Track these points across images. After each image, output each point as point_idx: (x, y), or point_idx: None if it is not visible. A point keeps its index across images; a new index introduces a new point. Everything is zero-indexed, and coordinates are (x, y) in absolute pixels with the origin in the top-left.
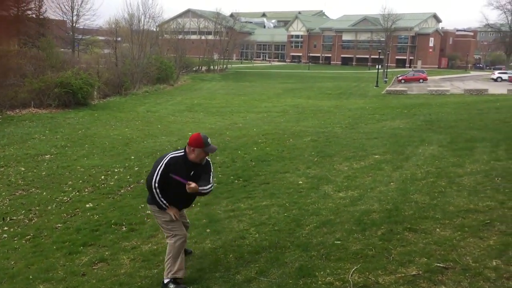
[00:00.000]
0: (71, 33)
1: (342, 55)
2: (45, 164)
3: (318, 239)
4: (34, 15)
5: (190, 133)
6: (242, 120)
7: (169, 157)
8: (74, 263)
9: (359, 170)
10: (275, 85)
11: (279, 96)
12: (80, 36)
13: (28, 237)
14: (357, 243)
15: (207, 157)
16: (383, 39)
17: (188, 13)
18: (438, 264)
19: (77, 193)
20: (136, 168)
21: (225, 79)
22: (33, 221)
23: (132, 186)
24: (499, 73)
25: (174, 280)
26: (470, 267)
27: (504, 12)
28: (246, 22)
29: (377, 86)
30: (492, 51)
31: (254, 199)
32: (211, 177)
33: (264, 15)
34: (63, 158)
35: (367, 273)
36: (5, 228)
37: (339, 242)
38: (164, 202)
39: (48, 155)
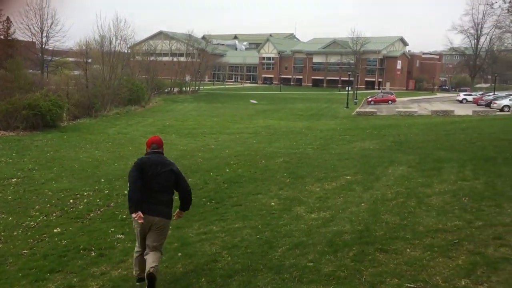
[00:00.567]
0: (40, 54)
1: (313, 77)
2: (11, 188)
3: (290, 261)
4: (2, 36)
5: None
6: (214, 142)
7: (174, 163)
8: None
9: (330, 191)
10: (247, 107)
11: (251, 118)
12: (49, 58)
13: None
14: (329, 264)
15: None
16: (353, 62)
17: (160, 35)
18: (408, 285)
19: (45, 217)
20: (106, 191)
21: (197, 101)
22: None
23: (102, 209)
24: (464, 94)
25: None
26: (440, 287)
27: (468, 36)
28: (218, 44)
29: (347, 107)
30: (457, 74)
31: (226, 221)
32: None
33: (236, 37)
34: (30, 181)
35: None
36: None
37: (312, 264)
38: None
39: (15, 179)
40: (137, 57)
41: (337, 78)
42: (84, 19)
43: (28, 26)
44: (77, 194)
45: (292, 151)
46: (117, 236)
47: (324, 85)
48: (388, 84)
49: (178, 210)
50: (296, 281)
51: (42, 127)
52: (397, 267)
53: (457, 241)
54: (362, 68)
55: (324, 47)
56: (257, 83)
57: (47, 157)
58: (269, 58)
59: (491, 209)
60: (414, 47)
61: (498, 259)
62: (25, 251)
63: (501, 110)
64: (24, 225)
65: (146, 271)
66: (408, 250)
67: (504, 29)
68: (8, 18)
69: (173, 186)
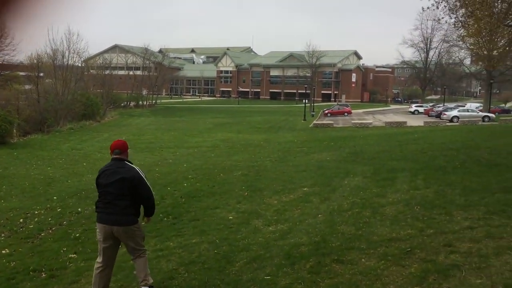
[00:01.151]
0: None
1: (271, 90)
2: None
3: (248, 275)
4: None
5: None
6: (172, 156)
7: (137, 168)
8: None
9: (288, 203)
10: (205, 120)
11: (209, 131)
12: None
13: None
14: (286, 277)
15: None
16: (309, 75)
17: (115, 48)
18: None
19: None
20: (59, 209)
21: (154, 115)
22: None
23: (53, 228)
24: (416, 106)
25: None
26: None
27: (418, 50)
28: (175, 57)
29: (304, 119)
30: (409, 86)
31: (183, 236)
32: None
33: (193, 51)
34: None
35: None
36: None
37: (269, 277)
38: None
39: None
40: (91, 70)
41: (295, 91)
42: (35, 32)
43: None
44: (27, 213)
45: (251, 164)
46: (70, 255)
47: (282, 98)
48: (343, 96)
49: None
50: None
51: None
52: (352, 277)
53: (409, 249)
54: (318, 81)
55: (281, 61)
56: (215, 96)
57: None
58: (226, 72)
59: (442, 217)
60: (368, 60)
61: (449, 266)
62: None
63: (451, 120)
64: None
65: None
66: (363, 260)
67: (452, 43)
68: None
69: (130, 194)
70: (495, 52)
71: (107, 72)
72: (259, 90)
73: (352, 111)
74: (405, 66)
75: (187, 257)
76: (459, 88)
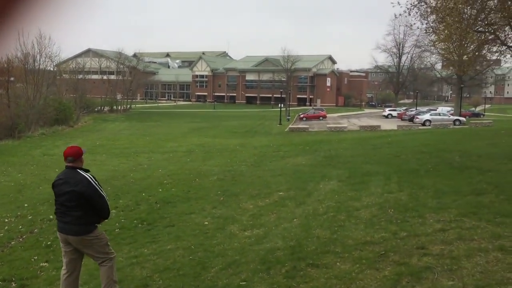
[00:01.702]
0: None
1: (247, 94)
2: None
3: (223, 281)
4: None
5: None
6: (147, 161)
7: (87, 175)
8: None
9: (264, 208)
10: (181, 125)
11: (185, 136)
12: None
13: None
14: (262, 282)
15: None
16: (284, 79)
17: (88, 52)
18: None
19: None
20: (30, 217)
21: (129, 119)
22: None
23: (24, 237)
24: (389, 110)
25: None
26: None
27: (391, 55)
28: (150, 62)
29: (280, 124)
30: (382, 90)
31: (158, 243)
32: None
33: (168, 55)
34: None
35: None
36: None
37: (245, 283)
38: None
39: None
40: (64, 75)
41: (270, 95)
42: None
43: None
44: None
45: (226, 169)
46: (41, 264)
47: (258, 102)
48: (319, 100)
49: None
50: None
51: None
52: (327, 282)
53: (383, 252)
54: (293, 85)
55: (256, 65)
56: (191, 101)
57: None
58: (202, 76)
59: (415, 219)
60: (342, 65)
61: (422, 268)
62: None
63: (423, 124)
64: None
65: None
66: (338, 263)
67: (423, 48)
68: None
69: (82, 204)
70: (465, 57)
71: (80, 76)
72: (234, 94)
73: (327, 115)
74: (378, 70)
75: (161, 264)
76: (431, 92)
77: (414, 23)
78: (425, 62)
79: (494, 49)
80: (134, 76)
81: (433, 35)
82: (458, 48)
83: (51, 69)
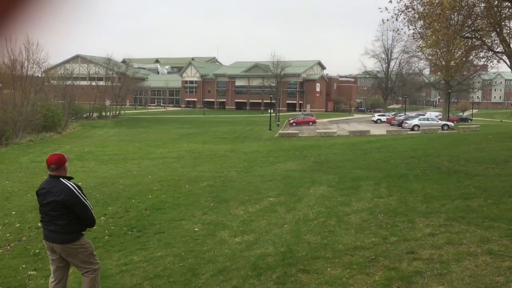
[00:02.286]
0: None
1: (236, 100)
2: None
3: None
4: None
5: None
6: (137, 168)
7: (70, 183)
8: None
9: (254, 214)
10: (170, 131)
11: (174, 142)
12: None
13: None
14: None
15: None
16: (274, 85)
17: (77, 58)
18: None
19: None
20: (18, 225)
21: (118, 126)
22: None
23: (12, 244)
24: (378, 115)
25: None
26: None
27: (379, 60)
28: (139, 68)
29: (270, 129)
30: (371, 95)
31: (148, 250)
32: None
33: (157, 61)
34: None
35: None
36: None
37: None
38: None
39: None
40: (52, 81)
41: (260, 101)
42: None
43: None
44: None
45: (216, 175)
46: (29, 272)
47: (247, 108)
48: (308, 106)
49: None
50: None
51: None
52: (318, 287)
53: (374, 257)
54: (283, 91)
55: (246, 71)
56: (180, 107)
57: None
58: (192, 82)
59: (404, 224)
60: (332, 70)
61: (412, 273)
62: None
63: (412, 129)
64: None
65: None
66: (328, 269)
67: (411, 54)
68: None
69: (66, 213)
70: (452, 63)
71: (68, 82)
72: (224, 100)
73: (317, 120)
74: (367, 76)
75: (151, 271)
76: (419, 97)
77: (402, 28)
78: (413, 68)
79: (481, 54)
80: (123, 82)
81: (421, 41)
82: (446, 54)
83: (39, 75)
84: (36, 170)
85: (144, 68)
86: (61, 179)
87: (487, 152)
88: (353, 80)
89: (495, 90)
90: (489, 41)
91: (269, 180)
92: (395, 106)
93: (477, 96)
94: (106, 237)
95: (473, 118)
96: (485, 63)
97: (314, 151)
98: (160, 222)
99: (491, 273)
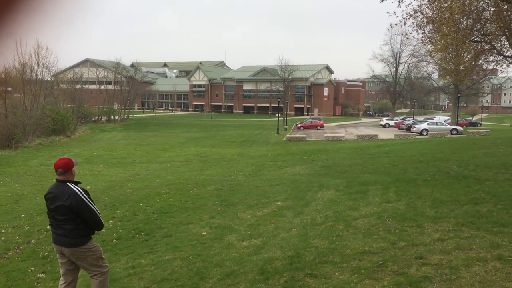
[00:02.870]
0: None
1: (244, 104)
2: None
3: None
4: None
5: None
6: (145, 171)
7: (77, 188)
8: None
9: (262, 218)
10: (178, 134)
11: (182, 145)
12: None
13: None
14: None
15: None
16: (282, 89)
17: (86, 62)
18: None
19: None
20: (27, 227)
21: (126, 129)
22: None
23: (21, 247)
24: (387, 119)
25: None
26: None
27: (388, 65)
28: (147, 72)
29: (278, 133)
30: (380, 100)
31: (156, 253)
32: None
33: (165, 65)
34: None
35: None
36: None
37: None
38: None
39: None
40: (62, 85)
41: (268, 105)
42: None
43: None
44: None
45: (224, 179)
46: (38, 275)
47: (255, 111)
48: (316, 110)
49: None
50: None
51: None
52: None
53: (382, 262)
54: (291, 95)
55: (253, 75)
56: (188, 110)
57: None
58: (199, 86)
59: (413, 229)
60: (339, 75)
61: (421, 278)
62: None
63: (420, 133)
64: None
65: None
66: (336, 274)
67: (420, 58)
68: None
69: (73, 218)
70: (461, 67)
71: (77, 86)
72: (232, 104)
73: (325, 124)
74: (375, 80)
75: (159, 275)
76: (428, 102)
77: (410, 32)
78: (422, 72)
79: (491, 58)
80: (132, 86)
81: (430, 45)
82: (455, 58)
83: (49, 79)
84: (45, 173)
85: (152, 72)
86: (68, 183)
87: (497, 157)
88: (361, 84)
89: (504, 95)
90: (499, 45)
91: (277, 184)
92: (403, 110)
93: (487, 101)
94: (114, 241)
95: (483, 123)
96: (495, 67)
97: (322, 155)
98: (168, 225)
99: (501, 278)
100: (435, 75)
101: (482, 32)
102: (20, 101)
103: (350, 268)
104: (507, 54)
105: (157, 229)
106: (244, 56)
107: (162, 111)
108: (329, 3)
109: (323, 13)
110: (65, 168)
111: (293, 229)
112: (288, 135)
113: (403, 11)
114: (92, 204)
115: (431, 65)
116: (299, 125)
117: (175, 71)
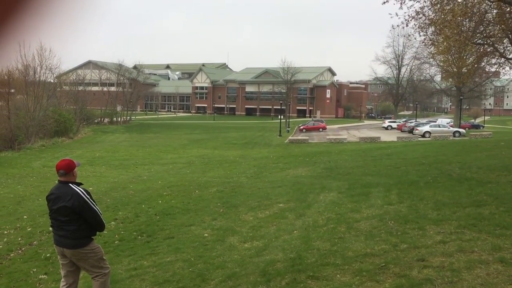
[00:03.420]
0: None
1: (246, 106)
2: None
3: None
4: None
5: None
6: (147, 173)
7: (79, 189)
8: None
9: (264, 220)
10: (180, 136)
11: (184, 147)
12: None
13: None
14: None
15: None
16: (284, 91)
17: (88, 64)
18: None
19: None
20: (29, 229)
21: (129, 131)
22: None
23: (23, 248)
24: (389, 122)
25: None
26: None
27: (390, 67)
28: (150, 73)
29: (280, 135)
30: (382, 102)
31: (158, 255)
32: None
33: (168, 67)
34: None
35: None
36: None
37: None
38: None
39: None
40: (64, 87)
41: (270, 107)
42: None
43: None
44: None
45: (226, 180)
46: (40, 276)
47: (257, 113)
48: (318, 112)
49: None
50: None
51: None
52: None
53: (384, 264)
54: (293, 97)
55: (256, 77)
56: (190, 112)
57: None
58: (202, 88)
59: (415, 231)
60: (342, 77)
61: (422, 280)
62: None
63: (423, 136)
64: None
65: None
66: (338, 276)
67: (423, 60)
68: None
69: (75, 219)
70: (464, 69)
71: (80, 88)
72: (234, 106)
73: (327, 126)
74: (378, 82)
75: (161, 276)
76: (431, 104)
77: (413, 34)
78: (424, 74)
79: (493, 61)
80: (134, 87)
81: (432, 47)
82: (457, 60)
83: (52, 80)
84: (48, 175)
85: (155, 74)
86: (70, 184)
87: (499, 159)
88: (363, 86)
89: (507, 97)
90: (501, 47)
91: (279, 186)
92: (406, 112)
93: (489, 103)
94: (116, 242)
95: (485, 125)
96: (497, 69)
97: (324, 158)
98: (169, 227)
99: (503, 281)
100: (438, 77)
101: (484, 35)
102: (23, 103)
103: (352, 270)
104: (510, 56)
105: (159, 230)
106: (246, 58)
107: (165, 113)
108: (331, 4)
109: (325, 15)
110: (67, 169)
111: (295, 231)
112: (290, 137)
113: (405, 13)
114: (94, 205)
115: (433, 67)
116: (301, 127)
117: (177, 73)
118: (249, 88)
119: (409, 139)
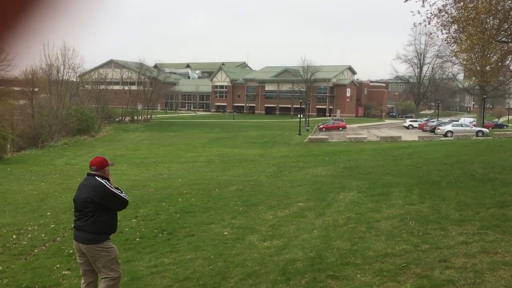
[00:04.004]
0: None
1: (266, 105)
2: None
3: None
4: None
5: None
6: (167, 171)
7: (104, 181)
8: None
9: (283, 219)
10: (200, 135)
11: (204, 146)
12: None
13: None
14: None
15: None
16: (304, 90)
17: (110, 63)
18: None
19: None
20: (52, 225)
21: (149, 130)
22: None
23: (47, 245)
24: (410, 121)
25: None
26: None
27: (411, 65)
28: (170, 72)
29: (300, 134)
30: (403, 101)
31: (178, 252)
32: None
33: (188, 66)
34: None
35: None
36: None
37: None
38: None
39: None
40: (86, 86)
41: (289, 106)
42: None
43: None
44: (20, 229)
45: (246, 179)
46: (63, 272)
47: (277, 112)
48: (338, 111)
49: None
50: None
51: None
52: None
53: (405, 265)
54: (313, 96)
55: (276, 76)
56: (210, 111)
57: None
58: (222, 87)
59: (437, 232)
60: (362, 75)
61: (444, 281)
62: None
63: (445, 135)
64: None
65: None
66: (358, 275)
67: (445, 59)
68: None
69: (96, 211)
70: (487, 68)
71: (102, 87)
72: (254, 105)
73: (347, 125)
74: (399, 81)
75: (181, 274)
76: (453, 103)
77: (435, 32)
78: (446, 73)
79: None
80: (155, 86)
81: (455, 45)
82: (481, 59)
83: (74, 80)
84: (71, 172)
85: (175, 73)
86: (96, 177)
87: None
88: (384, 85)
89: None
90: None
91: (299, 185)
92: (427, 111)
93: None
94: (137, 239)
95: (509, 124)
96: None
97: (344, 157)
98: (190, 225)
99: None
100: (460, 76)
101: (509, 32)
102: (46, 102)
103: (372, 270)
104: None
105: (179, 228)
106: (266, 57)
107: (185, 111)
108: (352, 2)
109: (346, 14)
110: (99, 166)
111: (314, 230)
112: (310, 136)
113: (427, 10)
114: (117, 190)
115: (456, 66)
116: (321, 126)
117: (197, 72)
118: (268, 87)
119: (431, 139)
